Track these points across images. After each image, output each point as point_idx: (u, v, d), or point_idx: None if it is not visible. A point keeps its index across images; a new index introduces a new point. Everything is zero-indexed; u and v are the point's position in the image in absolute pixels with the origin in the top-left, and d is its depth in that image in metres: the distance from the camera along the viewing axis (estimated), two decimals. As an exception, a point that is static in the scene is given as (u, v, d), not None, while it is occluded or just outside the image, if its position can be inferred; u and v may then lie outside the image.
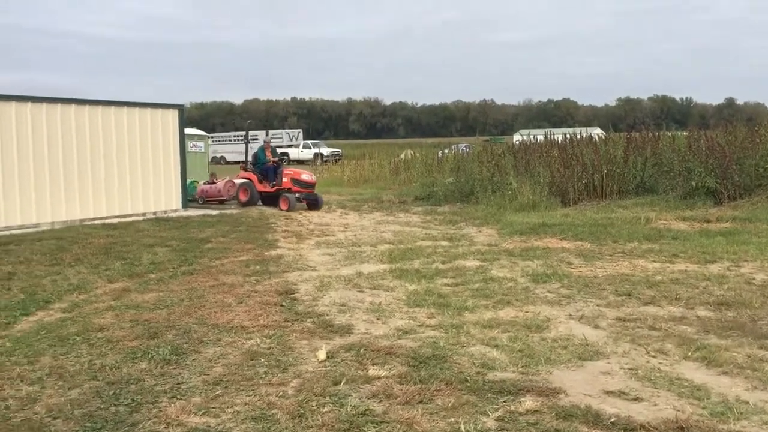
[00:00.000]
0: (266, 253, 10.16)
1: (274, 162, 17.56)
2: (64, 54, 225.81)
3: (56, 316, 6.64)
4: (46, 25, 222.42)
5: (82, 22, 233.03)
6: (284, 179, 16.85)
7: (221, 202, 18.14)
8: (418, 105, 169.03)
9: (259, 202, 17.36)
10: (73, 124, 13.95)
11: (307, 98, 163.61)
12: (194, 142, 23.50)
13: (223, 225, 13.22)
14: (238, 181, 18.06)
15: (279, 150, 18.70)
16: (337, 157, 46.75)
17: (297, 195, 16.48)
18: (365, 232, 12.50)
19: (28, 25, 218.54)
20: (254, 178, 17.47)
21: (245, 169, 18.12)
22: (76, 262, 9.30)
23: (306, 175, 17.08)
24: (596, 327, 6.02)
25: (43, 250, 10.04)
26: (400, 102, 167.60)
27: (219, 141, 56.82)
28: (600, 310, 6.59)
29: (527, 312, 6.56)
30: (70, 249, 10.17)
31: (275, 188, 16.99)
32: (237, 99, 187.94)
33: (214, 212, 15.72)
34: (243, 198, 17.46)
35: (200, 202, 18.16)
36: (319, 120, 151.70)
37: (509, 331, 5.87)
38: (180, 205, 16.12)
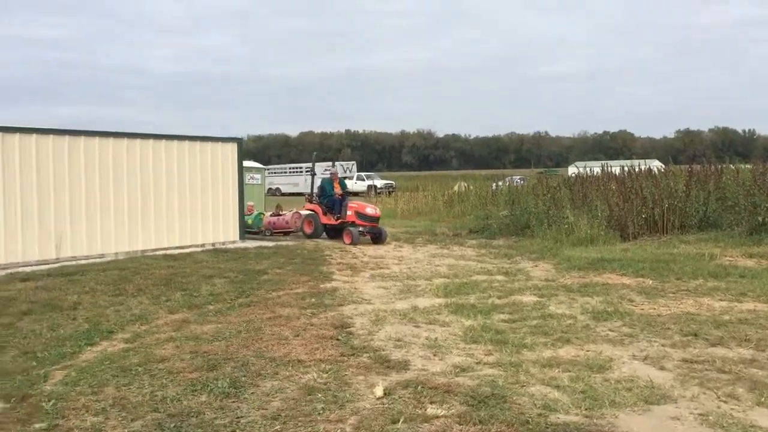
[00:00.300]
0: (321, 286, 10.22)
1: (339, 195, 17.48)
2: (126, 88, 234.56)
3: (119, 347, 6.79)
4: (109, 60, 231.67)
5: (144, 57, 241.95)
6: (348, 212, 16.73)
7: (287, 233, 18.36)
8: (471, 137, 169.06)
9: (324, 234, 17.40)
10: (137, 158, 14.41)
11: (360, 130, 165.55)
12: (252, 175, 23.99)
13: (279, 257, 13.37)
14: (304, 212, 18.21)
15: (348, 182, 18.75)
16: (391, 189, 46.96)
17: (360, 228, 16.40)
18: (420, 266, 12.46)
19: (94, 62, 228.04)
20: (319, 210, 17.47)
21: (310, 201, 18.09)
22: (138, 292, 9.52)
23: (370, 209, 16.87)
24: (662, 368, 5.82)
25: (107, 281, 10.32)
26: (453, 134, 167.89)
27: (275, 173, 57.82)
28: (665, 350, 6.37)
29: (588, 351, 6.40)
30: (133, 279, 10.42)
31: (339, 221, 16.93)
32: (292, 131, 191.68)
33: (270, 244, 15.93)
34: (308, 230, 17.55)
35: (267, 234, 18.31)
36: (373, 152, 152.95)
37: (570, 371, 5.72)
38: (237, 237, 16.40)
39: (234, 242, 16.13)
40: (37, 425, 4.72)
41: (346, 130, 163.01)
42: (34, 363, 6.20)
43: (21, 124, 12.95)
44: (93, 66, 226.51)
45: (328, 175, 18.25)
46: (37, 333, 7.30)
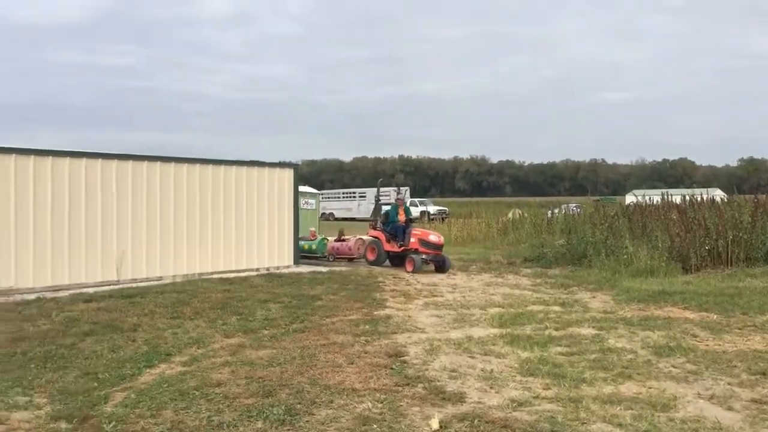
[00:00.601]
0: (375, 313, 10.19)
1: (403, 221, 17.24)
2: (188, 115, 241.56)
3: (177, 370, 6.88)
4: (173, 87, 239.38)
5: (205, 83, 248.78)
6: (412, 239, 16.48)
7: (351, 259, 18.32)
8: (526, 163, 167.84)
9: (387, 262, 17.19)
10: (197, 182, 14.75)
11: (414, 156, 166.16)
12: (306, 200, 24.22)
13: (332, 282, 13.42)
14: (366, 238, 18.23)
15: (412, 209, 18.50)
16: (444, 216, 46.79)
17: (424, 256, 16.08)
18: (474, 294, 12.32)
19: (159, 89, 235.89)
20: (382, 237, 17.22)
21: (374, 227, 17.90)
22: (195, 315, 9.67)
23: (434, 237, 16.56)
24: (729, 408, 5.58)
25: (165, 303, 10.52)
26: (507, 160, 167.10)
27: (328, 198, 58.37)
28: (732, 389, 6.11)
29: (651, 388, 6.19)
30: (190, 302, 10.60)
31: (402, 248, 16.67)
32: (346, 156, 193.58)
33: (324, 269, 16.03)
34: (370, 257, 17.46)
35: (330, 259, 18.38)
36: (425, 177, 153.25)
37: (632, 409, 5.54)
38: (291, 261, 16.56)
39: (288, 267, 16.29)
40: (97, 446, 4.79)
41: (399, 156, 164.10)
42: (96, 384, 6.34)
43: (85, 149, 13.43)
44: (158, 92, 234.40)
45: (394, 201, 18.11)
46: (99, 354, 7.47)
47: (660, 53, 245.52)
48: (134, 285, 12.69)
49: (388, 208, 18.10)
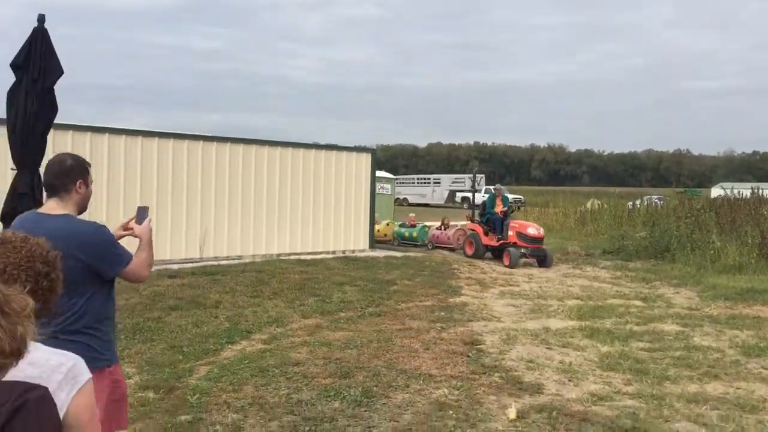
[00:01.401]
0: (450, 300, 10.17)
1: (502, 212, 16.00)
2: (269, 97, 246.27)
3: (257, 347, 7.07)
4: (255, 69, 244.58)
5: (287, 67, 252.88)
6: (510, 232, 15.37)
7: (452, 249, 17.64)
8: (605, 153, 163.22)
9: (488, 254, 16.00)
10: (277, 165, 15.04)
11: (489, 143, 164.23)
12: (382, 184, 24.30)
13: (407, 268, 13.45)
14: (466, 229, 17.35)
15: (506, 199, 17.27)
16: (520, 204, 46.13)
17: (522, 250, 15.01)
18: (551, 285, 12.11)
19: (235, 69, 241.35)
20: (480, 230, 16.14)
21: (472, 220, 16.89)
22: (274, 295, 9.89)
23: (533, 229, 15.33)
24: (826, 415, 5.29)
25: (245, 282, 10.81)
26: (586, 149, 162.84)
27: (402, 183, 58.46)
28: (829, 395, 5.80)
29: (738, 389, 5.95)
30: (269, 282, 10.84)
31: (500, 242, 15.54)
32: (420, 142, 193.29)
33: (399, 254, 16.08)
34: (468, 251, 16.29)
35: (430, 247, 17.63)
36: (501, 165, 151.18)
37: (719, 409, 5.34)
38: (367, 246, 16.68)
39: (363, 251, 16.42)
40: (182, 417, 4.98)
41: (474, 142, 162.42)
42: (181, 357, 6.58)
43: (173, 130, 13.89)
44: (241, 75, 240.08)
45: (491, 191, 17.18)
46: (183, 328, 7.75)
47: (754, 42, 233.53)
48: (216, 263, 13.08)
49: (486, 198, 17.20)
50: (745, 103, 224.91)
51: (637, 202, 28.85)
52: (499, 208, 16.21)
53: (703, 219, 17.25)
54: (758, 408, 5.41)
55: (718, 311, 9.62)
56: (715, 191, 38.93)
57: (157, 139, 13.26)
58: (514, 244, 15.16)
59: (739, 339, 7.86)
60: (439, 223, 19.34)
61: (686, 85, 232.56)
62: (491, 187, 55.78)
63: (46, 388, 1.44)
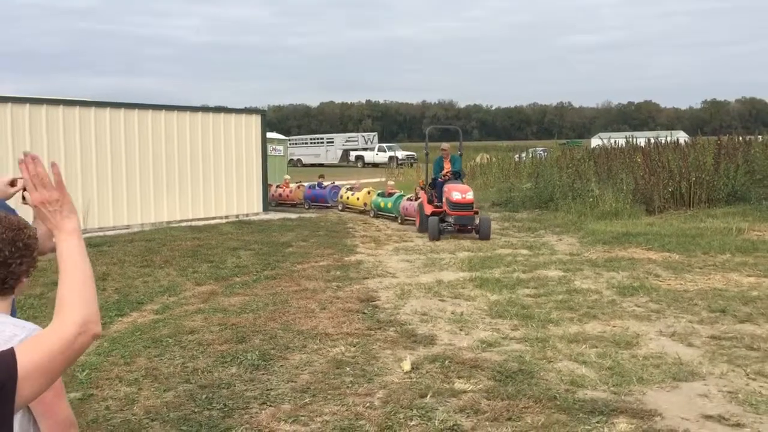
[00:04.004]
0: (346, 259, 10.27)
1: (446, 175, 13.32)
2: (144, 58, 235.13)
3: (149, 318, 6.90)
4: (133, 30, 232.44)
5: (169, 27, 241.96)
6: (444, 199, 12.79)
7: (363, 212, 16.79)
8: (493, 107, 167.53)
9: (448, 228, 12.59)
10: (162, 130, 14.49)
11: (381, 101, 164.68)
12: (274, 146, 23.95)
13: (302, 229, 13.44)
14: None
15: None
16: (413, 161, 46.78)
17: (450, 219, 12.48)
18: (443, 238, 12.44)
19: (116, 31, 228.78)
20: (425, 197, 13.57)
21: (423, 186, 14.31)
22: (165, 264, 9.64)
23: (456, 193, 12.47)
24: (690, 345, 5.79)
25: (134, 252, 10.46)
26: (475, 104, 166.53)
27: (296, 144, 57.82)
28: (693, 327, 6.34)
29: (615, 327, 6.39)
30: (160, 251, 10.55)
31: (441, 210, 12.81)
32: (313, 102, 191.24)
33: (294, 216, 16.00)
34: (417, 224, 13.68)
35: (399, 221, 14.96)
36: (393, 123, 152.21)
37: (597, 347, 5.72)
38: (261, 209, 16.49)
39: (257, 214, 16.23)
40: (72, 395, 4.81)
41: (366, 101, 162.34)
42: (67, 333, 6.31)
43: (48, 95, 13.06)
44: (120, 36, 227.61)
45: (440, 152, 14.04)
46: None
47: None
48: (101, 234, 12.56)
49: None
50: (621, 56, 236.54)
51: (523, 154, 29.98)
52: (446, 170, 13.54)
53: (582, 169, 18.14)
54: (632, 343, 5.84)
55: (597, 255, 10.23)
56: (594, 141, 40.98)
57: (28, 105, 12.43)
58: (445, 213, 12.71)
59: (615, 280, 8.41)
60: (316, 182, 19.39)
61: (569, 39, 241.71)
62: (385, 145, 55.10)
63: None
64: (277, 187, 19.45)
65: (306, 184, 19.71)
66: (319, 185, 19.21)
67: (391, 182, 18.41)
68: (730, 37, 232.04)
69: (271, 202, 18.57)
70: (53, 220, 1.51)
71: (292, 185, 19.47)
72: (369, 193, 16.97)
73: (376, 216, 16.04)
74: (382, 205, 15.98)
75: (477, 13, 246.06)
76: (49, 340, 1.38)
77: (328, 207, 18.21)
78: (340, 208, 17.69)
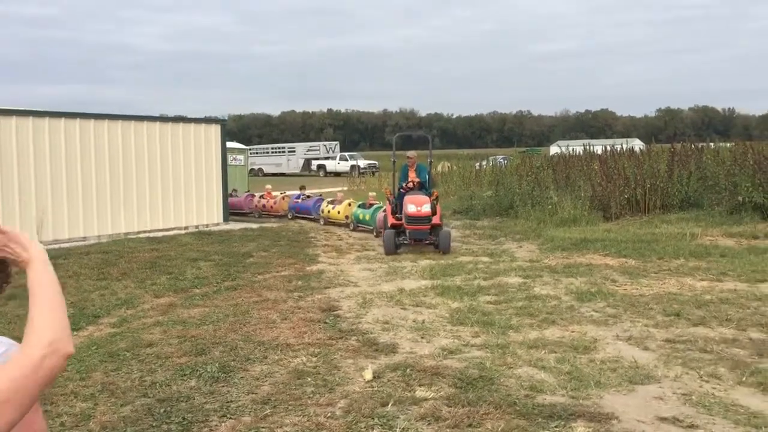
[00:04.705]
0: (307, 268, 10.23)
1: (409, 185, 12.57)
2: (111, 68, 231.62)
3: (106, 331, 6.77)
4: (92, 38, 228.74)
5: (131, 35, 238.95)
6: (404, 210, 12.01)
7: (314, 220, 16.83)
8: (454, 116, 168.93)
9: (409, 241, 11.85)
10: (119, 140, 14.26)
11: (342, 110, 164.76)
12: (234, 156, 23.78)
13: (263, 239, 13.34)
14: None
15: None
16: (374, 170, 46.86)
17: (408, 233, 11.79)
18: (404, 247, 12.47)
19: (74, 38, 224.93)
20: (389, 209, 12.72)
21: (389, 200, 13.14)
22: (122, 276, 9.48)
23: (411, 206, 11.77)
24: (645, 349, 5.91)
25: (90, 264, 10.25)
26: (436, 113, 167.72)
27: (257, 153, 57.43)
28: (648, 330, 6.47)
29: (573, 332, 6.48)
30: (117, 263, 10.36)
31: (401, 222, 12.08)
32: (274, 111, 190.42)
33: (255, 226, 15.88)
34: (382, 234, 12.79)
35: (375, 234, 14.20)
36: (355, 131, 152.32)
37: (556, 352, 5.80)
38: (221, 219, 16.33)
39: (218, 224, 16.07)
40: (25, 412, 4.69)
41: (328, 110, 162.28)
42: (21, 349, 6.16)
43: (1, 106, 12.76)
44: (80, 44, 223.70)
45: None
46: (22, 318, 7.21)
47: (595, 5, 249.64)
48: (56, 246, 12.28)
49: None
50: (579, 65, 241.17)
51: (484, 162, 30.30)
52: (410, 179, 12.77)
53: (542, 176, 18.39)
54: (590, 348, 5.93)
55: (556, 262, 10.37)
56: (553, 149, 41.68)
57: (-21, 115, 12.13)
58: (401, 226, 12.02)
59: (573, 286, 8.54)
60: (298, 192, 19.14)
61: (529, 48, 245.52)
62: (347, 154, 55.09)
63: None
64: (261, 197, 19.01)
65: (290, 193, 19.08)
66: (298, 196, 18.59)
67: (372, 193, 17.50)
68: (683, 45, 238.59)
69: (254, 213, 18.30)
70: (18, 259, 1.52)
71: (276, 194, 18.93)
72: (350, 205, 16.14)
73: (355, 229, 15.26)
74: (361, 217, 15.20)
75: (439, 22, 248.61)
76: (16, 365, 1.35)
77: (313, 219, 17.28)
78: (322, 222, 16.78)
